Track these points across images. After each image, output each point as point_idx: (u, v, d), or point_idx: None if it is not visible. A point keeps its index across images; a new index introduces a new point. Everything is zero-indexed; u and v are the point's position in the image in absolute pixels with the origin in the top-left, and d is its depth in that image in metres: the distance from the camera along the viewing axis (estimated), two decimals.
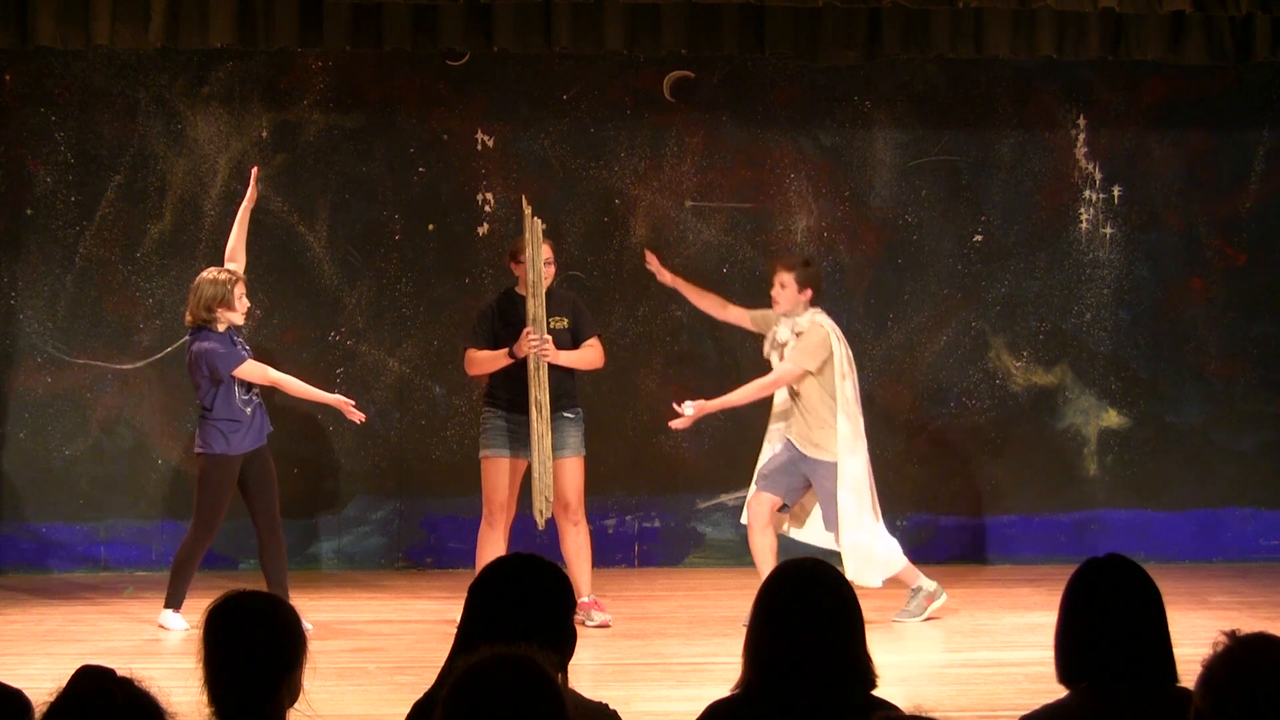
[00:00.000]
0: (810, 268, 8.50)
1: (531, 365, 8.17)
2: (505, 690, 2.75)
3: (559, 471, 8.31)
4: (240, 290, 8.17)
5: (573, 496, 8.36)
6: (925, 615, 8.48)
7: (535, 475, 8.18)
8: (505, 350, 8.25)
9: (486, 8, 8.93)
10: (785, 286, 8.39)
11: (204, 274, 8.24)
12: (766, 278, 9.91)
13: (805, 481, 8.45)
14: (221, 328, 8.15)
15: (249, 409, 8.16)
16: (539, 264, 8.20)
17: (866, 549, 8.33)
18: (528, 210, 8.25)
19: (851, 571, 8.21)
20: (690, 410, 8.43)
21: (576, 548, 8.39)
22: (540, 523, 8.23)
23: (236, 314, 8.16)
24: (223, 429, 8.11)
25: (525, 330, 8.17)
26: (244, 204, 8.50)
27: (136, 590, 9.26)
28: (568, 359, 8.33)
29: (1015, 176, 10.26)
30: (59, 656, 7.57)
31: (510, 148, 9.99)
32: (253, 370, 8.16)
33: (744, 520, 8.57)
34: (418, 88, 9.96)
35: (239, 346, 8.21)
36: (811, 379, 8.35)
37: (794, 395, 8.44)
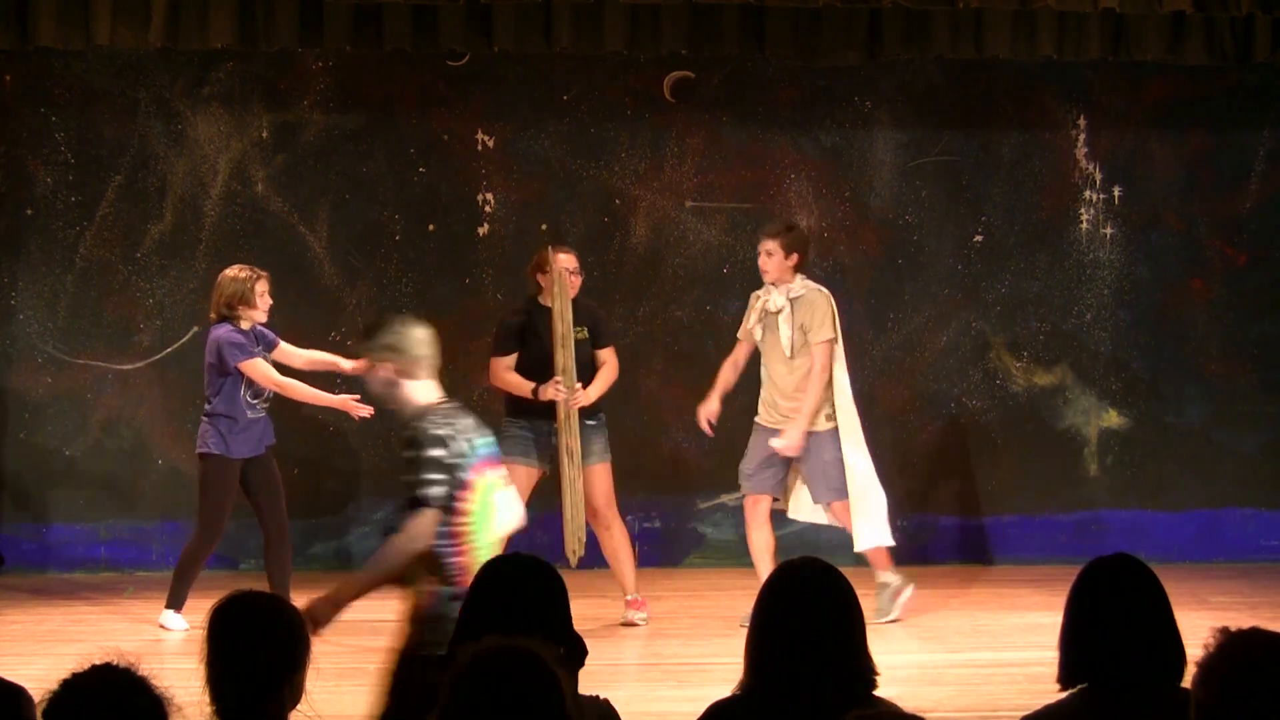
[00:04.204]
0: (794, 232, 8.45)
1: (561, 415, 8.22)
2: (507, 679, 2.75)
3: (585, 479, 8.34)
4: (262, 288, 8.19)
5: (600, 502, 8.41)
6: (897, 613, 8.41)
7: (567, 517, 8.26)
8: (531, 387, 8.26)
9: (486, 8, 8.93)
10: (772, 254, 8.35)
11: (226, 271, 8.27)
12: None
13: (786, 467, 8.43)
14: (245, 325, 8.17)
15: (251, 414, 8.15)
16: (568, 316, 8.24)
17: (872, 506, 8.32)
18: (556, 260, 8.25)
19: (861, 534, 8.25)
20: (780, 444, 8.32)
21: (612, 550, 8.47)
22: (572, 561, 8.27)
23: (259, 312, 8.18)
24: (220, 427, 8.11)
25: (554, 380, 8.19)
26: (340, 363, 8.41)
27: (136, 590, 9.26)
28: (594, 394, 8.36)
29: (1015, 177, 10.26)
30: (60, 656, 7.53)
31: (510, 148, 9.99)
32: (259, 369, 8.15)
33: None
34: (418, 88, 9.96)
35: (260, 348, 8.21)
36: (810, 349, 8.32)
37: (774, 372, 8.39)
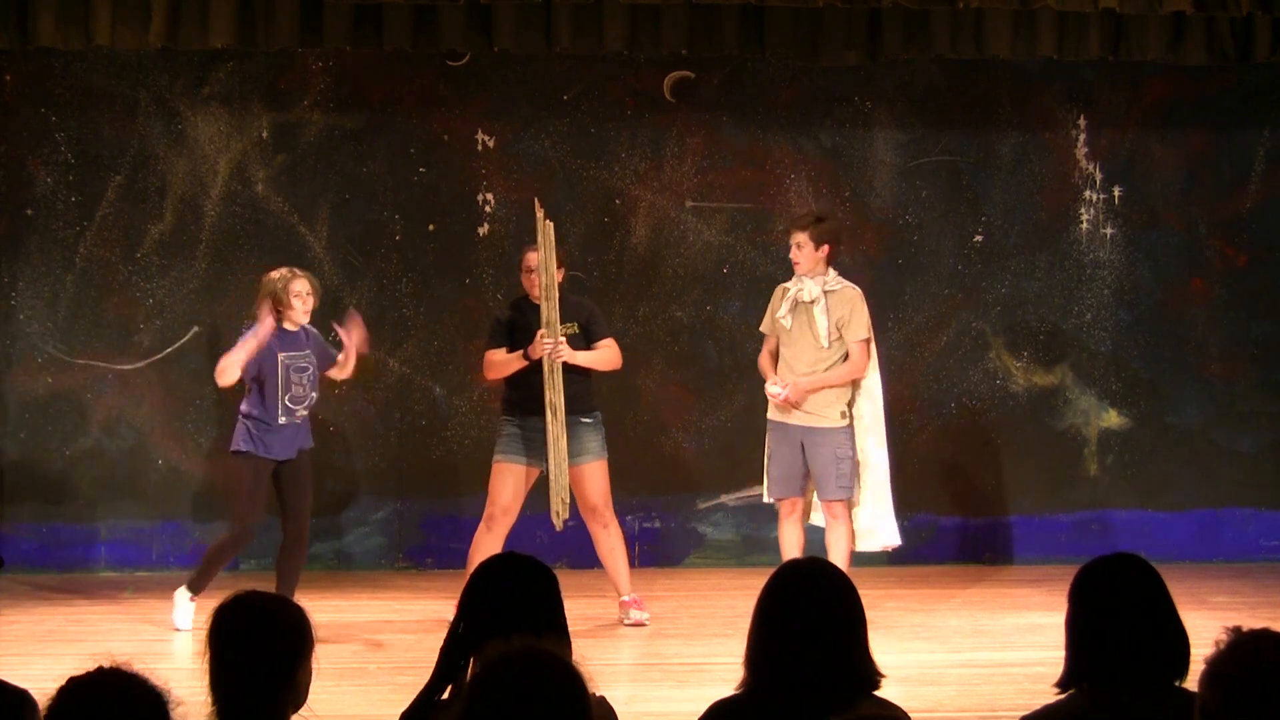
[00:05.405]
0: (824, 224, 8.37)
1: (546, 368, 8.18)
2: (536, 682, 2.75)
3: (582, 477, 8.33)
4: (297, 288, 8.05)
5: (598, 500, 8.38)
6: None
7: (551, 477, 8.20)
8: (520, 352, 8.25)
9: (487, 8, 8.93)
10: (802, 246, 8.27)
11: (270, 272, 8.20)
12: (767, 277, 9.92)
13: (805, 464, 8.40)
14: (289, 326, 8.11)
15: (284, 418, 8.05)
16: (551, 267, 8.19)
17: (889, 506, 8.30)
18: (540, 213, 8.25)
19: (885, 534, 8.24)
20: (779, 390, 8.25)
21: (609, 549, 8.44)
22: (558, 524, 8.25)
23: (295, 312, 8.07)
24: (250, 428, 8.07)
25: (539, 333, 8.18)
26: (263, 333, 8.01)
27: (136, 590, 9.26)
28: (583, 359, 8.33)
29: (1015, 177, 10.26)
30: (60, 657, 7.56)
31: (510, 148, 9.99)
32: (221, 360, 8.04)
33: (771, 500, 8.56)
34: (418, 88, 9.96)
35: (309, 350, 8.15)
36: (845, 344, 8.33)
37: (798, 363, 8.34)
